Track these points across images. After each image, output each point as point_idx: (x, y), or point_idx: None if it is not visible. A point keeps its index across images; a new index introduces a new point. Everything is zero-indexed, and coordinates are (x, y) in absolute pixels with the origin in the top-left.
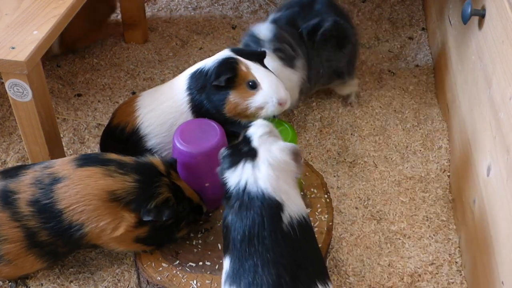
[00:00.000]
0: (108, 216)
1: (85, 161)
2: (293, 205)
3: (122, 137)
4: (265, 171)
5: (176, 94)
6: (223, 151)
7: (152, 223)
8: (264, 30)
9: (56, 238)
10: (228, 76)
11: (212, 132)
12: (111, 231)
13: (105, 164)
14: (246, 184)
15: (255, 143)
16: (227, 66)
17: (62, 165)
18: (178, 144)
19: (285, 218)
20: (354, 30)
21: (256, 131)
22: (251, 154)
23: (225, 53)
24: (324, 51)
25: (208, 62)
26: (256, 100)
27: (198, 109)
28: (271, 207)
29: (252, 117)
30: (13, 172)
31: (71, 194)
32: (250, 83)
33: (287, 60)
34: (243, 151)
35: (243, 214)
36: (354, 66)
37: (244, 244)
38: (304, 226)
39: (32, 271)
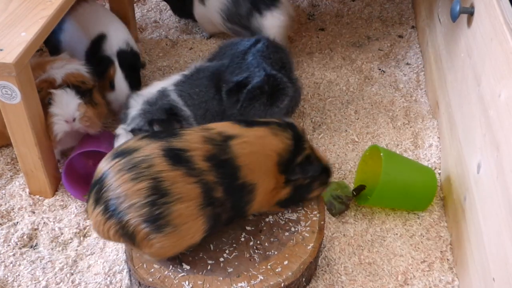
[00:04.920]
0: (273, 178)
1: (249, 123)
2: None
3: None
4: None
5: None
6: None
7: (293, 183)
8: (134, 105)
9: (227, 197)
10: None
11: None
12: (276, 193)
13: (268, 124)
14: None
15: None
16: None
17: (225, 126)
18: None
19: None
20: (293, 79)
21: None
22: None
23: None
24: (251, 110)
25: None
26: None
27: None
28: None
29: None
30: (167, 133)
31: (250, 151)
32: None
33: None
34: None
35: None
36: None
37: None
38: None
39: (187, 245)
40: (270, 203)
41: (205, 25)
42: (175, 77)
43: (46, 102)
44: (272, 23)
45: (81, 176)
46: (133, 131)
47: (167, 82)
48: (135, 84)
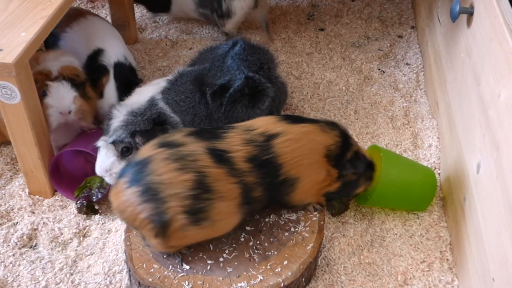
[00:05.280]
0: (323, 170)
1: (296, 119)
2: None
3: None
4: None
5: None
6: None
7: (343, 178)
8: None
9: (265, 194)
10: None
11: None
12: (327, 186)
13: (316, 122)
14: None
15: None
16: None
17: (269, 124)
18: None
19: None
20: (274, 78)
21: None
22: None
23: None
24: (234, 113)
25: None
26: None
27: None
28: None
29: None
30: (211, 134)
31: (294, 147)
32: None
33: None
34: None
35: None
36: None
37: None
38: None
39: (213, 237)
40: (317, 194)
41: (176, 15)
42: (160, 84)
43: (40, 94)
44: (239, 4)
45: (72, 175)
46: (114, 143)
47: (153, 90)
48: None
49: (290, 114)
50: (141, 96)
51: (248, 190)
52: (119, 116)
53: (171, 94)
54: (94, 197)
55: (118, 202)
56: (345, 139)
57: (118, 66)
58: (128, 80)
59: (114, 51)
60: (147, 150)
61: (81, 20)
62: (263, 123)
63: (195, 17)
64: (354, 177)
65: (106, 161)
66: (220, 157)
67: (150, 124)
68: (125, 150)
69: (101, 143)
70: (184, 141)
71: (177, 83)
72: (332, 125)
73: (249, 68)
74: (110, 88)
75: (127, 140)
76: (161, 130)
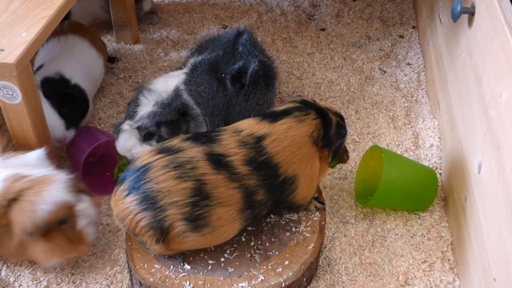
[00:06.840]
0: (316, 160)
1: (273, 116)
2: None
3: None
4: None
5: None
6: None
7: (333, 152)
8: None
9: (269, 197)
10: None
11: None
12: (319, 173)
13: (289, 113)
14: None
15: None
16: None
17: (253, 126)
18: None
19: None
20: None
21: None
22: None
23: None
24: (255, 94)
25: None
26: None
27: None
28: None
29: None
30: (206, 138)
31: (283, 146)
32: None
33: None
34: None
35: None
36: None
37: None
38: None
39: (217, 243)
40: (317, 184)
41: (84, 19)
42: (180, 76)
43: None
44: None
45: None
46: (139, 129)
47: (176, 80)
48: (73, 117)
49: (267, 112)
50: (168, 84)
51: (249, 194)
52: (146, 104)
53: (193, 85)
54: None
55: (118, 210)
56: (322, 116)
57: (46, 82)
58: (61, 93)
59: (48, 66)
60: (146, 156)
61: (62, 37)
62: (246, 125)
63: (105, 18)
64: (341, 146)
65: (128, 142)
66: (219, 162)
67: (176, 115)
68: (147, 135)
69: (126, 126)
70: (182, 146)
71: (194, 75)
72: (303, 109)
73: (261, 53)
74: (46, 109)
75: (152, 129)
76: (184, 121)
